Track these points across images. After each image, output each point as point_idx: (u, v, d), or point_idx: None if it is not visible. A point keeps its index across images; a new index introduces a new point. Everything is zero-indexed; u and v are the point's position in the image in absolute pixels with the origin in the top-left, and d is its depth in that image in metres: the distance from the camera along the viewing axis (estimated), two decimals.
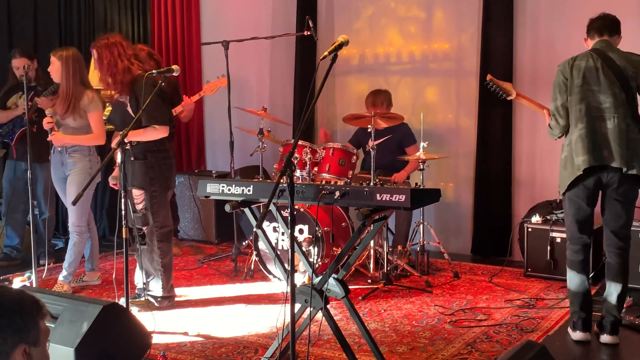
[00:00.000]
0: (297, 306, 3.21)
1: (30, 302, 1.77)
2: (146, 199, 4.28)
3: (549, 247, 5.00)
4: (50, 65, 4.73)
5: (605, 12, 3.90)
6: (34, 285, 4.46)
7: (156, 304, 4.37)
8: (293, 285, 2.75)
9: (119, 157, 3.70)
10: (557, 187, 5.10)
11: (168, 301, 4.42)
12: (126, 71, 4.24)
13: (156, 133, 4.23)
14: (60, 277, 4.78)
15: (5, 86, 5.69)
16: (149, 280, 4.42)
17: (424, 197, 3.15)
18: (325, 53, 2.96)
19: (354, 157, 5.09)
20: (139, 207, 4.33)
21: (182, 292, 4.81)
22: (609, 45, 3.80)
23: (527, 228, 5.12)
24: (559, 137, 3.88)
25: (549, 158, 5.60)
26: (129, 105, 4.29)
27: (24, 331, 1.72)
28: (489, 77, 4.13)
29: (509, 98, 4.12)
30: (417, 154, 5.08)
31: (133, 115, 4.24)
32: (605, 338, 3.81)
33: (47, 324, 1.84)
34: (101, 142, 4.74)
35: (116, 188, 4.47)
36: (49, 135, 4.78)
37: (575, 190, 3.78)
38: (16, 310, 1.73)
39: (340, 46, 2.99)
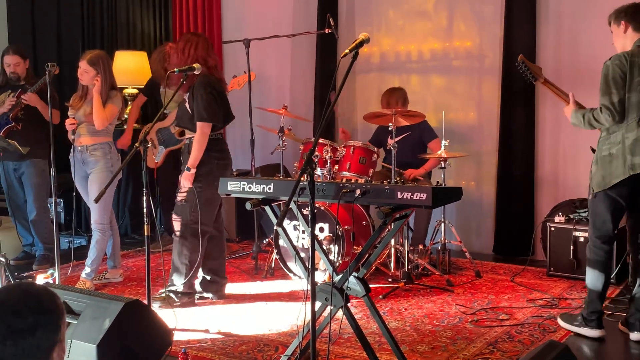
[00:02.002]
0: (318, 304, 3.20)
1: (60, 300, 1.79)
2: (190, 191, 4.30)
3: (572, 247, 4.95)
4: (79, 70, 4.76)
5: None
6: (57, 282, 4.50)
7: (176, 300, 4.39)
8: (314, 284, 2.75)
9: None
10: (580, 186, 5.12)
11: (188, 298, 4.44)
12: (200, 60, 4.26)
13: (199, 127, 4.25)
14: (83, 275, 4.82)
15: None
16: (173, 275, 4.43)
17: (446, 195, 3.13)
18: (347, 51, 2.95)
19: (375, 156, 5.08)
20: (180, 197, 4.36)
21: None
22: None
23: (550, 227, 5.07)
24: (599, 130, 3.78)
25: (572, 157, 5.54)
26: (187, 101, 4.36)
27: (60, 329, 1.75)
28: (520, 57, 4.02)
29: (535, 82, 4.01)
30: (439, 152, 5.05)
31: (189, 110, 4.32)
32: (636, 336, 3.78)
33: (68, 321, 1.86)
34: (99, 126, 4.70)
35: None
36: (69, 134, 4.82)
37: (618, 189, 3.72)
38: (54, 309, 1.75)
39: (361, 44, 2.98)
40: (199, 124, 4.25)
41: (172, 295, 4.41)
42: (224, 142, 4.53)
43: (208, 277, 4.57)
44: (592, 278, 3.86)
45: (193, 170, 4.26)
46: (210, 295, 4.59)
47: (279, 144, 5.35)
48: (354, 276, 3.24)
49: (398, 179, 4.73)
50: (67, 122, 4.80)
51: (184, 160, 4.42)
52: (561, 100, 4.00)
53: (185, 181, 4.28)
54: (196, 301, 4.50)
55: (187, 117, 4.36)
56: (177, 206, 4.42)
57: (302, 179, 2.71)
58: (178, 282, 4.40)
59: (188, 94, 4.34)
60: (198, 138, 4.26)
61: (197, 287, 4.54)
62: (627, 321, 3.86)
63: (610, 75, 3.65)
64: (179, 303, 4.37)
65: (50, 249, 5.34)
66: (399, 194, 2.94)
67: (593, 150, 4.03)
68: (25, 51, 5.69)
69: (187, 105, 4.35)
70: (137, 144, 3.62)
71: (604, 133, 3.77)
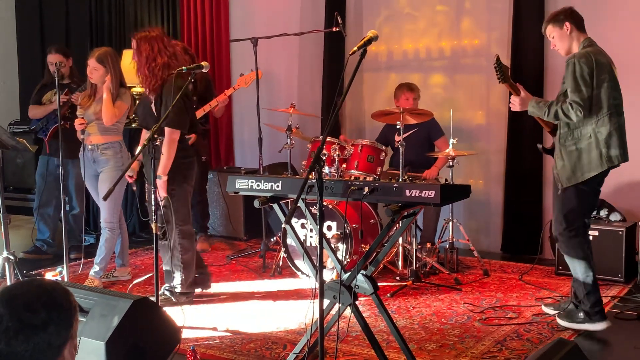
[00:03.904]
0: (326, 302, 3.20)
1: (73, 297, 1.79)
2: (166, 197, 4.27)
3: None
4: (88, 68, 4.77)
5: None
6: (66, 280, 4.51)
7: (174, 299, 4.40)
8: (322, 282, 2.75)
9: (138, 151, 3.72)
10: None
11: (186, 297, 4.43)
12: (165, 67, 4.20)
13: (168, 134, 4.18)
14: (92, 273, 4.84)
15: (40, 82, 5.77)
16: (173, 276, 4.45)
17: (454, 193, 3.13)
18: (355, 48, 2.95)
19: (383, 154, 5.07)
20: (160, 204, 4.35)
21: (211, 288, 4.83)
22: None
23: None
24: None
25: None
26: (153, 102, 4.29)
27: (72, 326, 1.76)
28: (496, 56, 4.00)
29: (500, 82, 4.00)
30: (447, 150, 5.04)
31: (154, 112, 4.26)
32: None
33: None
34: (108, 122, 4.69)
35: (131, 181, 4.51)
36: (79, 134, 4.84)
37: (593, 182, 3.83)
38: (66, 305, 1.76)
39: (369, 41, 2.98)
40: (168, 129, 4.13)
41: (169, 294, 4.41)
42: (185, 140, 4.44)
43: (167, 268, 4.55)
44: (580, 270, 3.86)
45: (165, 178, 4.14)
46: (198, 288, 4.60)
47: (287, 143, 5.35)
48: (362, 274, 3.24)
49: (407, 177, 4.71)
50: (77, 122, 4.82)
51: (147, 163, 4.25)
52: (514, 93, 4.02)
53: (162, 190, 4.15)
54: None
55: (152, 119, 4.25)
56: (158, 215, 4.35)
57: (310, 176, 2.71)
58: (176, 283, 4.41)
59: (155, 94, 4.25)
60: (167, 145, 4.16)
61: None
62: None
63: (578, 72, 3.73)
64: (176, 302, 4.38)
65: (81, 239, 5.62)
66: (407, 191, 2.94)
67: (545, 150, 4.11)
68: (68, 50, 5.77)
69: (152, 106, 4.28)
70: (145, 142, 3.63)
71: (565, 129, 3.83)
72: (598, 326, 3.83)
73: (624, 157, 3.81)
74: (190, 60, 5.02)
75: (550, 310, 4.17)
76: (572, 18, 3.91)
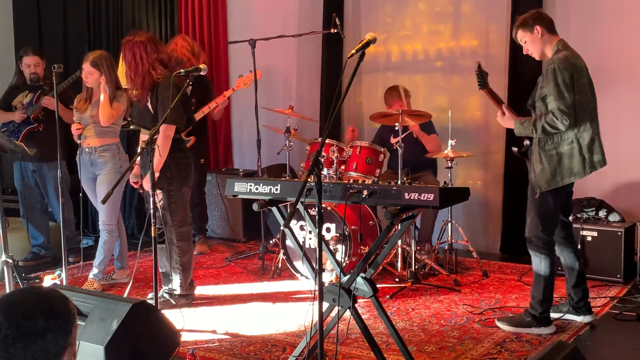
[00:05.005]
0: (325, 305, 3.20)
1: (72, 305, 1.79)
2: (164, 198, 4.28)
3: (579, 246, 4.92)
4: (83, 72, 4.76)
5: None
6: (64, 283, 4.51)
7: (173, 302, 4.40)
8: (321, 285, 2.74)
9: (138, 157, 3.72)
10: (587, 185, 5.09)
11: (185, 299, 4.44)
12: (145, 75, 4.20)
13: (163, 130, 4.16)
14: (91, 275, 4.84)
15: (9, 85, 5.66)
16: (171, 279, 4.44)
17: (453, 196, 3.13)
18: (353, 51, 2.95)
19: (382, 156, 5.07)
20: (158, 206, 4.34)
21: (210, 291, 4.84)
22: None
23: None
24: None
25: None
26: (149, 101, 4.28)
27: (71, 333, 1.75)
28: (477, 62, 4.05)
29: (481, 89, 4.03)
30: (445, 151, 5.03)
31: (151, 111, 4.27)
32: None
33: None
34: (104, 122, 4.68)
35: (136, 187, 4.52)
36: (75, 138, 4.83)
37: (568, 185, 3.87)
38: (65, 313, 1.75)
39: (367, 44, 2.98)
40: (163, 126, 4.10)
41: (168, 297, 4.41)
42: (183, 141, 4.47)
43: (163, 270, 4.54)
44: (547, 269, 3.90)
45: (156, 175, 4.08)
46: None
47: (286, 144, 5.34)
48: (362, 277, 3.24)
49: (405, 179, 4.71)
50: (73, 127, 4.82)
51: (144, 166, 4.27)
52: (496, 106, 4.04)
53: (146, 184, 4.14)
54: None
55: (148, 118, 4.28)
56: (157, 217, 4.34)
57: (309, 179, 2.71)
58: (175, 285, 4.41)
59: (150, 93, 4.26)
60: (162, 141, 4.15)
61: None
62: None
63: (560, 79, 3.70)
64: (175, 304, 4.37)
65: (78, 241, 5.49)
66: (406, 194, 2.94)
67: (520, 153, 4.09)
68: (42, 52, 5.71)
69: (149, 105, 4.28)
70: (143, 145, 3.63)
71: (556, 135, 3.78)
72: (549, 329, 3.88)
73: (604, 161, 3.81)
74: (195, 57, 5.37)
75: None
76: (542, 21, 3.87)
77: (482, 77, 3.98)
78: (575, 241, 4.17)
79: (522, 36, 3.93)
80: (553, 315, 4.00)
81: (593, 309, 4.19)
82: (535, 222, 3.89)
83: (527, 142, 3.99)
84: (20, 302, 1.71)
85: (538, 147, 3.84)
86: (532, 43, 3.90)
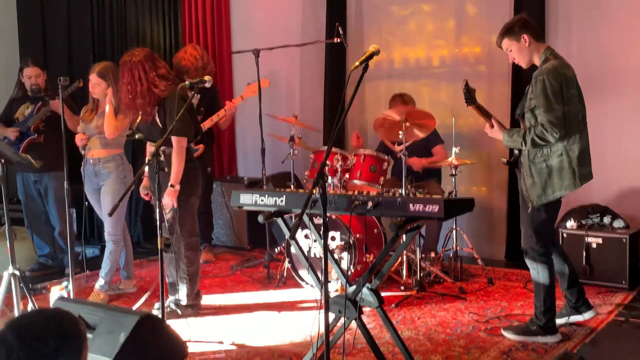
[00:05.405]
0: (331, 316, 3.21)
1: (82, 326, 1.81)
2: (173, 208, 4.31)
3: (584, 253, 4.93)
4: (90, 83, 4.79)
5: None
6: (71, 294, 4.53)
7: (179, 312, 4.41)
8: (327, 297, 2.76)
9: (146, 168, 3.75)
10: (592, 191, 5.10)
11: (192, 309, 4.46)
12: (145, 94, 4.21)
13: (176, 142, 4.22)
14: (97, 286, 4.86)
15: (11, 97, 5.66)
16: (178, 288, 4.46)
17: (458, 207, 3.14)
18: (357, 63, 2.97)
19: (385, 164, 5.07)
20: (167, 217, 4.36)
21: (216, 300, 4.86)
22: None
23: (562, 233, 5.05)
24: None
25: None
26: (156, 115, 4.31)
27: (82, 354, 1.77)
28: (465, 80, 3.99)
29: (467, 105, 3.98)
30: (449, 159, 5.04)
31: (159, 124, 4.29)
32: None
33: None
34: (109, 135, 4.70)
35: (147, 198, 4.55)
36: (80, 150, 4.86)
37: (560, 199, 3.82)
38: (76, 334, 1.77)
39: (371, 56, 3.00)
40: (175, 138, 4.16)
41: (175, 307, 4.42)
42: (191, 151, 4.51)
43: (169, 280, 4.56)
44: (543, 289, 3.87)
45: (177, 187, 4.19)
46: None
47: (290, 153, 5.36)
48: (367, 287, 3.25)
49: (409, 188, 4.71)
50: (77, 137, 4.85)
51: (152, 177, 4.24)
52: (485, 120, 3.99)
53: (169, 198, 4.18)
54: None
55: (157, 131, 4.30)
56: (164, 227, 4.35)
57: (314, 191, 2.72)
58: (181, 296, 4.43)
59: (157, 107, 4.28)
60: (177, 153, 4.20)
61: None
62: None
63: (549, 90, 3.64)
64: (182, 315, 4.39)
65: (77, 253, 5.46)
66: (411, 206, 2.96)
67: (510, 163, 4.06)
68: (43, 62, 5.72)
69: (156, 119, 4.30)
70: (149, 157, 3.64)
71: (545, 147, 3.74)
72: (556, 337, 3.86)
73: (591, 174, 3.79)
74: (202, 67, 5.54)
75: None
76: (529, 29, 3.80)
77: (470, 94, 3.92)
78: (558, 242, 4.14)
79: (508, 45, 3.85)
80: (559, 321, 4.00)
81: (599, 316, 4.20)
82: (529, 234, 3.87)
83: (516, 151, 3.97)
84: (31, 324, 1.73)
85: (528, 159, 3.79)
86: (518, 52, 3.82)
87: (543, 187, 3.75)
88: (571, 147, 3.70)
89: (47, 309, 1.84)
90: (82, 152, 4.88)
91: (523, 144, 3.74)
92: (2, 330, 1.70)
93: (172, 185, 4.18)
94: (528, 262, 3.94)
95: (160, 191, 3.77)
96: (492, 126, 3.93)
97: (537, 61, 3.84)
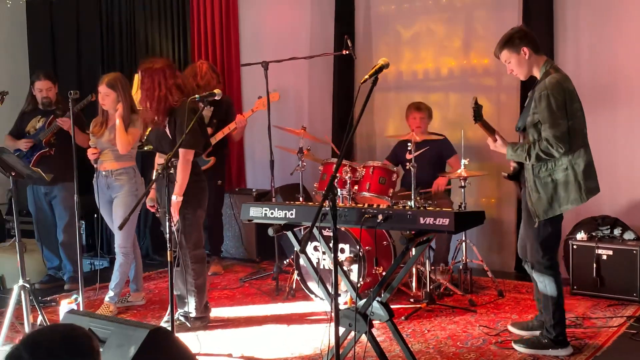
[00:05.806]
0: (341, 329, 3.20)
1: (96, 343, 1.81)
2: (179, 221, 4.31)
3: (594, 265, 4.90)
4: (100, 95, 4.82)
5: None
6: (81, 307, 4.53)
7: (188, 325, 4.41)
8: (337, 311, 2.75)
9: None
10: (602, 203, 5.07)
11: (201, 322, 4.45)
12: (162, 100, 4.26)
13: (182, 154, 4.23)
14: (106, 298, 4.86)
15: (22, 110, 5.69)
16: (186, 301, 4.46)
17: (468, 220, 3.13)
18: (366, 77, 2.98)
19: (395, 175, 5.08)
20: (174, 228, 4.37)
21: (225, 312, 4.85)
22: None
23: (572, 245, 5.02)
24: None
25: None
26: (167, 126, 4.34)
27: None
28: (474, 97, 3.97)
29: (475, 122, 3.96)
30: (459, 170, 5.04)
31: (169, 136, 4.31)
32: None
33: None
34: (123, 150, 4.72)
35: (153, 210, 4.56)
36: (92, 162, 4.87)
37: (564, 213, 3.80)
38: (89, 351, 1.77)
39: (380, 69, 3.01)
40: (182, 150, 4.17)
41: (184, 320, 4.42)
42: (199, 164, 4.52)
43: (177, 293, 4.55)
44: (551, 302, 3.84)
45: (180, 199, 4.20)
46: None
47: (298, 165, 5.37)
48: (377, 301, 3.24)
49: (418, 198, 4.71)
50: (89, 152, 4.86)
51: (161, 190, 4.33)
52: (489, 136, 3.98)
53: (175, 210, 4.19)
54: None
55: (166, 142, 4.33)
56: (173, 240, 4.35)
57: (324, 204, 2.72)
58: (190, 308, 4.43)
59: (168, 118, 4.31)
60: (182, 165, 4.21)
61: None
62: None
63: (554, 105, 3.62)
64: (191, 327, 4.39)
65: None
66: (421, 219, 2.95)
67: (510, 177, 4.05)
68: (55, 76, 5.76)
69: (167, 130, 4.32)
70: (159, 170, 3.65)
71: (549, 161, 3.72)
72: (567, 350, 3.83)
73: (598, 188, 3.76)
74: (217, 79, 5.64)
75: (516, 330, 4.23)
76: (529, 41, 3.77)
77: (478, 110, 3.90)
78: None
79: (507, 57, 3.83)
80: (522, 333, 4.02)
81: (609, 329, 4.16)
82: (535, 248, 3.86)
83: (515, 165, 3.96)
84: (45, 341, 1.73)
85: (532, 174, 3.77)
86: (518, 64, 3.80)
87: (549, 201, 3.73)
88: (576, 161, 3.69)
89: (60, 325, 1.85)
90: (95, 165, 4.89)
91: (527, 159, 3.74)
92: (17, 346, 1.71)
93: (174, 197, 4.18)
94: (535, 275, 3.92)
95: (170, 204, 3.79)
96: (495, 140, 3.92)
97: (536, 74, 3.83)
